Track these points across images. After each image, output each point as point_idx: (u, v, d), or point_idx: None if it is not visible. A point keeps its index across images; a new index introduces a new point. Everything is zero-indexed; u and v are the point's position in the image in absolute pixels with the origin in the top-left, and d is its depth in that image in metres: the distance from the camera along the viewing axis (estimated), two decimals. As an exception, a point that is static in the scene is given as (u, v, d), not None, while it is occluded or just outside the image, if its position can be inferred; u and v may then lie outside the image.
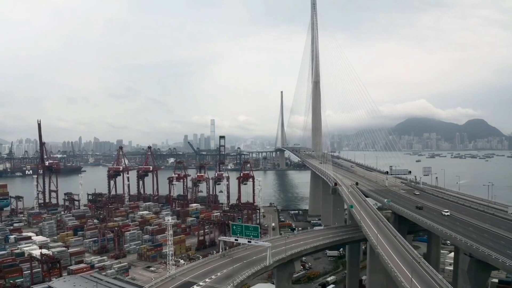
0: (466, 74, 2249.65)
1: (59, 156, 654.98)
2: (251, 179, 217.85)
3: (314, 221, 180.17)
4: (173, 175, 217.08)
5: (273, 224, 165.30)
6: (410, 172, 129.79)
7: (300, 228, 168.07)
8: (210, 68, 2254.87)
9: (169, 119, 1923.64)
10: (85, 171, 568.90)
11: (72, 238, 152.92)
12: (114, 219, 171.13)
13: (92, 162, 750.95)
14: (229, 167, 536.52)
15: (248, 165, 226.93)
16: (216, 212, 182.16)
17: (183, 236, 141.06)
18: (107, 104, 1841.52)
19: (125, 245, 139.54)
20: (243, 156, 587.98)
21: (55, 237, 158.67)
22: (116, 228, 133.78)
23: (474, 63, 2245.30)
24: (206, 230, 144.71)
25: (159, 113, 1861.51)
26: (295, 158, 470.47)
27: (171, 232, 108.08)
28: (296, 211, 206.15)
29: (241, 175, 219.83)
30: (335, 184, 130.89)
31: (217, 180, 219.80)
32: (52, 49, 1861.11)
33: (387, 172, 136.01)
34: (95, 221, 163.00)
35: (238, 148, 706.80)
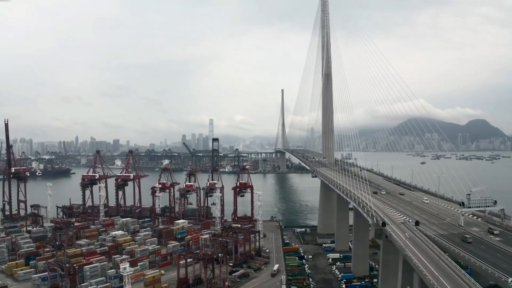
0: (465, 74, 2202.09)
1: (46, 157, 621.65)
2: (249, 189, 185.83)
3: (326, 245, 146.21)
4: (156, 184, 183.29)
5: (276, 267, 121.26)
6: (495, 202, 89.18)
7: (310, 256, 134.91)
8: (204, 67, 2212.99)
9: (165, 118, 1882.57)
10: (74, 173, 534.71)
11: (21, 271, 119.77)
12: (78, 242, 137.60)
13: (84, 163, 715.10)
14: (226, 170, 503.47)
15: (246, 170, 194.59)
16: (207, 233, 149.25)
17: (158, 274, 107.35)
18: (101, 103, 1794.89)
19: (84, 284, 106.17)
20: (241, 158, 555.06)
21: (4, 266, 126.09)
22: (67, 265, 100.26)
23: (473, 63, 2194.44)
24: (190, 260, 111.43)
25: (155, 112, 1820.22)
26: (296, 160, 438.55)
27: (129, 286, 75.32)
28: (303, 229, 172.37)
29: (238, 184, 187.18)
30: (383, 224, 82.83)
31: (209, 190, 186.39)
32: (44, 47, 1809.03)
33: (463, 203, 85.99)
34: (50, 247, 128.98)
35: (236, 149, 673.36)
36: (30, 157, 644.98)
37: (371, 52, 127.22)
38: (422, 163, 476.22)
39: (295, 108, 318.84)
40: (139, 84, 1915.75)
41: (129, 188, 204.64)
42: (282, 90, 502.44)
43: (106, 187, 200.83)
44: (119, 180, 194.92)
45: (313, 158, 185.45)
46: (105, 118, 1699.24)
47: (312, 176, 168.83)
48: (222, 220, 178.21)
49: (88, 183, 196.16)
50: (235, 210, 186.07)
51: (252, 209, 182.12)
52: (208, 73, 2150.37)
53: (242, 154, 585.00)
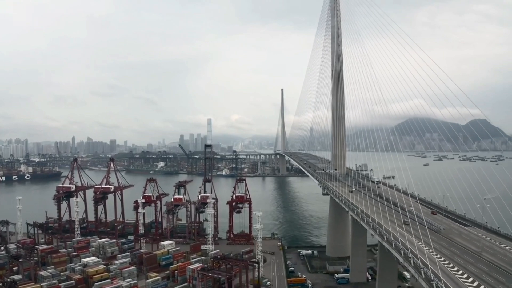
0: (464, 74, 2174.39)
1: (37, 160, 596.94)
2: (247, 203, 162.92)
3: (339, 275, 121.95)
4: (139, 199, 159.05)
5: None
6: None
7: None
8: (200, 66, 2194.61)
9: (161, 118, 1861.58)
10: (64, 176, 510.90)
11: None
12: (41, 274, 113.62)
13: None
14: (223, 173, 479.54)
15: (244, 181, 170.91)
16: (195, 261, 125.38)
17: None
18: (96, 103, 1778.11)
19: None
20: (239, 159, 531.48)
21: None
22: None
23: (472, 62, 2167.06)
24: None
25: (150, 112, 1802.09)
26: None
27: None
28: (309, 251, 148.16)
29: (233, 198, 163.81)
30: None
31: (201, 205, 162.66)
32: (38, 46, 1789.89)
33: None
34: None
35: (234, 151, 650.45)
36: (20, 159, 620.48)
37: (385, 46, 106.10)
38: (425, 164, 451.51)
39: (297, 108, 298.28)
40: (133, 83, 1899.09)
41: (111, 200, 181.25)
42: (282, 89, 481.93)
43: (84, 199, 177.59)
44: (98, 193, 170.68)
45: (323, 170, 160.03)
46: (101, 117, 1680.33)
47: (323, 194, 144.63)
48: (216, 239, 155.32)
49: (63, 195, 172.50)
50: (231, 227, 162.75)
51: (250, 226, 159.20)
52: (203, 72, 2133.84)
53: (240, 156, 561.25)
